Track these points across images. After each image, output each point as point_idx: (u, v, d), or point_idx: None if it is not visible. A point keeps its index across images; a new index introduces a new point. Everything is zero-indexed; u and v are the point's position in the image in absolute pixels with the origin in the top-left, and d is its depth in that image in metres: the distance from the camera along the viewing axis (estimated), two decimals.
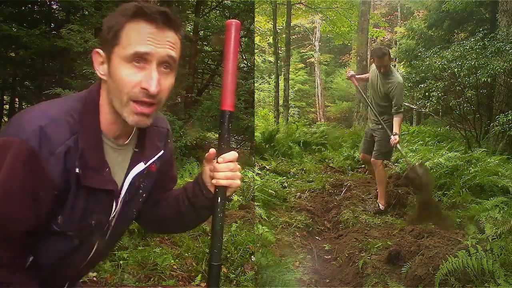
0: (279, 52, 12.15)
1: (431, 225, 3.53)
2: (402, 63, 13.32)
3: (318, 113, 22.21)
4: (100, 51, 0.94)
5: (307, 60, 24.39)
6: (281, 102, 11.14)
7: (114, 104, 0.93)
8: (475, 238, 3.04)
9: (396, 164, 6.17)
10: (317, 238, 3.84)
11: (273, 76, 13.42)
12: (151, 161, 1.07)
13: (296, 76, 22.01)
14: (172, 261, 3.00)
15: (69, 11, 7.01)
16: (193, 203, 1.11)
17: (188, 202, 1.12)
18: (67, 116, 0.90)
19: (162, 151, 1.10)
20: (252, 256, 3.11)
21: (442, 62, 6.40)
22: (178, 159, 5.60)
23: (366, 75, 4.66)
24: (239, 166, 1.06)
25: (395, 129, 4.04)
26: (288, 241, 3.45)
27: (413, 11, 17.86)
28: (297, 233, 3.68)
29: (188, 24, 7.41)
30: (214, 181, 1.04)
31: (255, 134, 7.31)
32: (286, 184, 5.27)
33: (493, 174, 4.44)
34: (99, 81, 0.98)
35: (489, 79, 5.94)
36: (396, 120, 4.07)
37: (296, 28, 22.40)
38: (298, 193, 4.94)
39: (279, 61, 11.49)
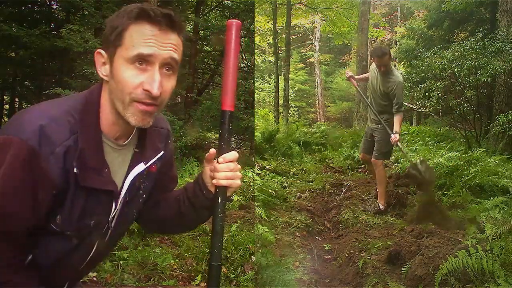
0: (279, 52, 12.14)
1: (431, 225, 3.52)
2: (402, 63, 13.31)
3: (318, 113, 22.22)
4: (102, 51, 0.94)
5: (307, 60, 24.39)
6: (281, 102, 11.14)
7: (116, 105, 0.93)
8: (475, 238, 3.03)
9: (396, 164, 6.17)
10: (317, 238, 3.84)
11: (273, 76, 13.42)
12: (151, 161, 1.07)
13: (296, 76, 22.01)
14: (172, 261, 3.00)
15: (69, 11, 7.00)
16: (193, 203, 1.11)
17: (188, 202, 1.12)
18: (68, 116, 0.90)
19: (163, 152, 1.10)
20: (252, 256, 3.11)
21: (442, 62, 6.40)
22: (178, 159, 5.60)
23: (366, 75, 4.65)
24: (239, 166, 1.06)
25: (396, 127, 4.03)
26: (288, 241, 3.45)
27: (413, 11, 17.87)
28: (297, 233, 3.68)
29: (188, 24, 7.40)
30: (214, 181, 1.04)
31: (255, 134, 7.31)
32: (286, 184, 5.26)
33: (493, 174, 4.45)
34: (100, 82, 0.98)
35: (489, 79, 5.94)
36: (396, 119, 4.07)
37: (296, 28, 22.40)
38: (298, 193, 4.94)
39: (279, 61, 11.48)
